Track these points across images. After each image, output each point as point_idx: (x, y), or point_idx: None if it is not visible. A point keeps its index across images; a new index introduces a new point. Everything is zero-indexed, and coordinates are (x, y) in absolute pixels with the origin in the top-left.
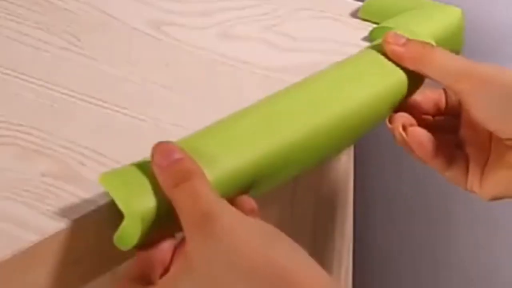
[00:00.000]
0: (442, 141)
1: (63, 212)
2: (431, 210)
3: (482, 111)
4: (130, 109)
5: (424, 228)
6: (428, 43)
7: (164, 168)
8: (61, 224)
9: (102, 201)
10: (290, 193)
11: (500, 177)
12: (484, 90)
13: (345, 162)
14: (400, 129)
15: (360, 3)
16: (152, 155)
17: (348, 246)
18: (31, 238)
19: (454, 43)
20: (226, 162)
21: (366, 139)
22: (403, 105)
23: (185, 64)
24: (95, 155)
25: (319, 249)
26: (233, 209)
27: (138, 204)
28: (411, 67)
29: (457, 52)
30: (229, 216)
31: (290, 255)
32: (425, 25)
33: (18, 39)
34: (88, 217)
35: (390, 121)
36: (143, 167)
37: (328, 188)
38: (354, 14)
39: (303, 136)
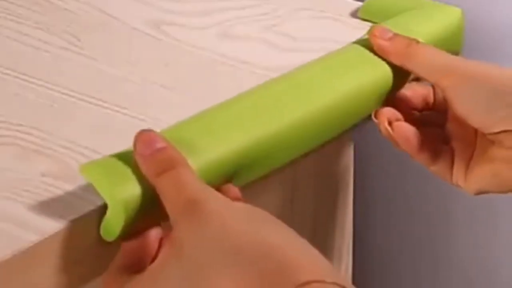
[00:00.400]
0: (428, 136)
1: (63, 212)
2: (431, 210)
3: (465, 107)
4: (130, 109)
5: (424, 228)
6: (414, 39)
7: (146, 157)
8: (60, 224)
9: (102, 201)
10: (290, 190)
11: (484, 171)
12: (467, 86)
13: (345, 161)
14: (386, 123)
15: (360, 3)
16: (134, 144)
17: (348, 245)
18: (31, 238)
19: (454, 43)
20: (209, 151)
21: (366, 138)
22: (391, 99)
23: (185, 64)
24: (95, 155)
25: (319, 247)
26: (219, 195)
27: (121, 193)
28: (396, 62)
29: (457, 52)
30: (215, 202)
31: (280, 236)
32: (425, 25)
33: (18, 39)
34: (87, 217)
35: (376, 116)
36: (125, 156)
37: (328, 187)
38: (354, 14)
39: (286, 126)
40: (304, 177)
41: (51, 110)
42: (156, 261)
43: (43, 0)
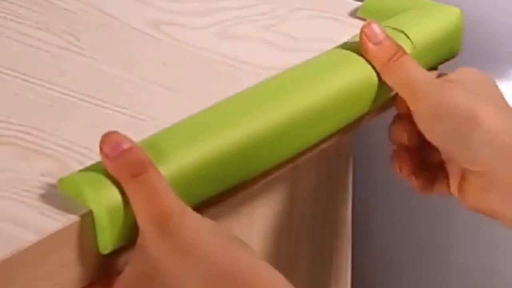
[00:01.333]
0: (428, 167)
1: (63, 212)
2: (431, 210)
3: (430, 135)
4: (130, 109)
5: (424, 228)
6: (401, 49)
7: (113, 159)
8: (60, 224)
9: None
10: (289, 192)
11: (473, 190)
12: (431, 116)
13: (345, 161)
14: (413, 178)
15: (359, 3)
16: (101, 147)
17: (347, 245)
18: (30, 238)
19: (453, 43)
20: (178, 159)
21: (366, 137)
22: (393, 102)
23: (184, 64)
24: (95, 155)
25: (318, 248)
26: (187, 208)
27: (103, 198)
28: (376, 68)
29: (456, 52)
30: (187, 218)
31: (246, 256)
32: (424, 25)
33: (18, 39)
34: (87, 217)
35: (401, 170)
36: (99, 166)
37: (328, 187)
38: (354, 14)
39: (264, 129)
40: (304, 177)
41: (51, 110)
42: (125, 273)
43: (43, 0)
